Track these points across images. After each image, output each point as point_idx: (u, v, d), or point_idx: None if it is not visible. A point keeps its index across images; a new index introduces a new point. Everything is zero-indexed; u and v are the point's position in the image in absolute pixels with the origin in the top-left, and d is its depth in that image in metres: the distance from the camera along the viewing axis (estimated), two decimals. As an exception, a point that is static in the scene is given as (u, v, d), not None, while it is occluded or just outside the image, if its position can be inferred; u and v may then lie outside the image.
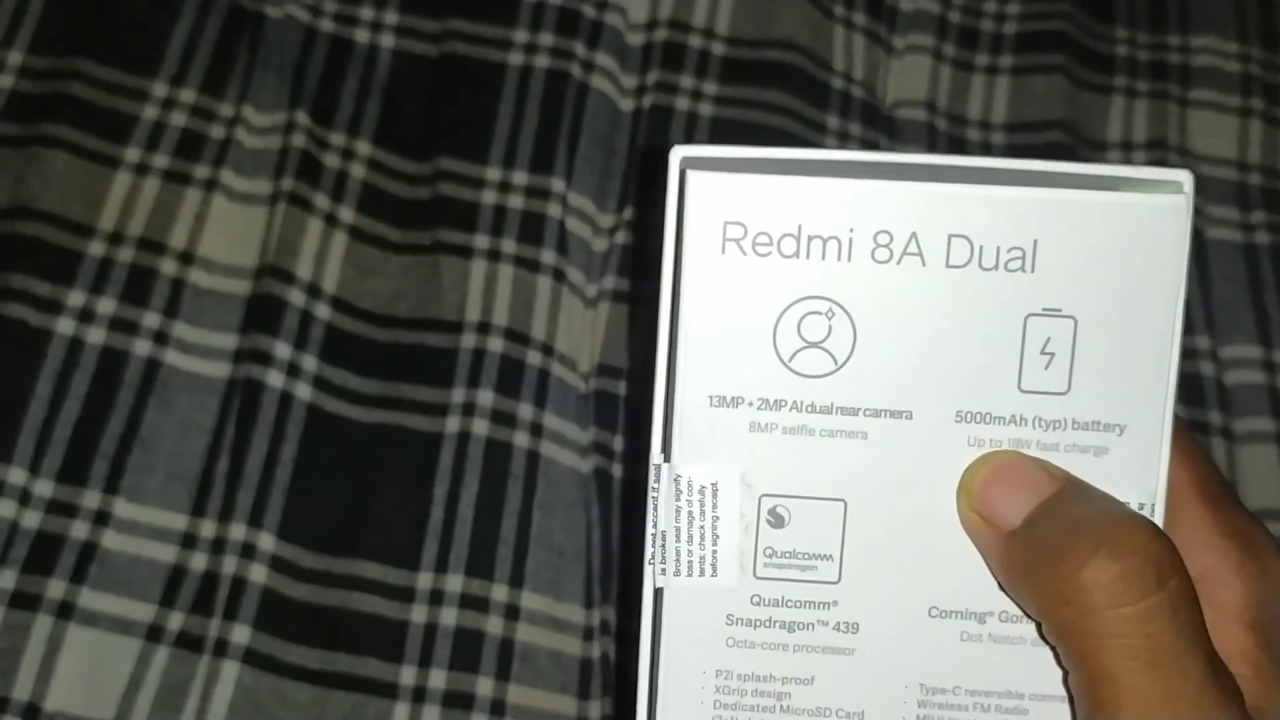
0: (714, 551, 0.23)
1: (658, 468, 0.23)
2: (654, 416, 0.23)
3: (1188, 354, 0.44)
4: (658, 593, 0.24)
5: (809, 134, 0.46)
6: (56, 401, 0.40)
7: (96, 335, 0.40)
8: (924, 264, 0.23)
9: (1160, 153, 0.47)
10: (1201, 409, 0.44)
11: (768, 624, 0.24)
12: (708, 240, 0.23)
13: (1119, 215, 0.22)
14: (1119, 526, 0.21)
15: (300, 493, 0.40)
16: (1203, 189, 0.47)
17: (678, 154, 0.23)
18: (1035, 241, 0.22)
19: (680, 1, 0.48)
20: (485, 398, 0.41)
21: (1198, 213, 0.47)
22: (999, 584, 0.23)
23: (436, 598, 0.39)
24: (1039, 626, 0.23)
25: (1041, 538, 0.22)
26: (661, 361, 0.23)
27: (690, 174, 0.23)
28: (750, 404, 0.23)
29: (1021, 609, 0.23)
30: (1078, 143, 0.48)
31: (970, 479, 0.23)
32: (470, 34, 0.46)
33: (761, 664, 0.24)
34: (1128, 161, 0.48)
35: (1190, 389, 0.44)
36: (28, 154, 0.42)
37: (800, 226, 0.23)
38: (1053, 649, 0.23)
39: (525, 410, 0.42)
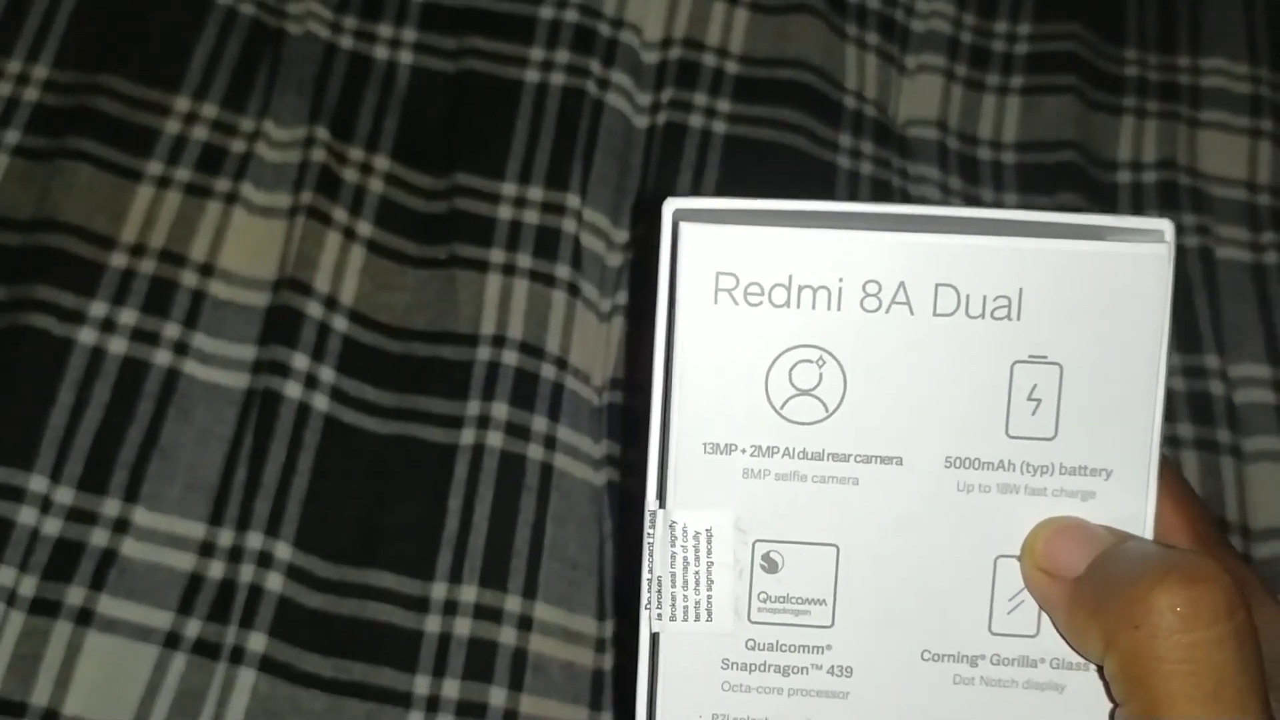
0: (709, 597, 0.24)
1: (653, 514, 0.24)
2: (649, 464, 0.24)
3: (1197, 372, 0.45)
4: (654, 637, 0.24)
5: (821, 152, 0.47)
6: (78, 410, 0.40)
7: (118, 345, 0.41)
8: (912, 312, 0.23)
9: (1170, 173, 0.48)
10: (1210, 427, 0.44)
11: (762, 668, 0.24)
12: (700, 290, 0.23)
13: (1102, 264, 0.23)
14: (1189, 557, 0.21)
15: (317, 503, 0.40)
16: (1212, 209, 0.47)
17: (670, 205, 0.23)
18: (1021, 290, 0.23)
19: (695, 20, 0.48)
20: (500, 410, 0.42)
21: (1207, 232, 0.47)
22: (1061, 634, 0.23)
23: (451, 608, 0.40)
24: (1099, 669, 0.23)
25: (1109, 574, 0.22)
26: (656, 409, 0.24)
27: (683, 225, 0.23)
28: (743, 451, 0.23)
29: (1082, 655, 0.23)
30: (1088, 163, 0.48)
31: (1033, 540, 0.23)
32: (487, 51, 0.47)
33: (757, 708, 0.24)
34: (1138, 182, 0.48)
35: (1199, 407, 0.44)
36: (52, 167, 0.43)
37: (791, 276, 0.23)
38: (1106, 686, 0.22)
39: (539, 423, 0.42)
